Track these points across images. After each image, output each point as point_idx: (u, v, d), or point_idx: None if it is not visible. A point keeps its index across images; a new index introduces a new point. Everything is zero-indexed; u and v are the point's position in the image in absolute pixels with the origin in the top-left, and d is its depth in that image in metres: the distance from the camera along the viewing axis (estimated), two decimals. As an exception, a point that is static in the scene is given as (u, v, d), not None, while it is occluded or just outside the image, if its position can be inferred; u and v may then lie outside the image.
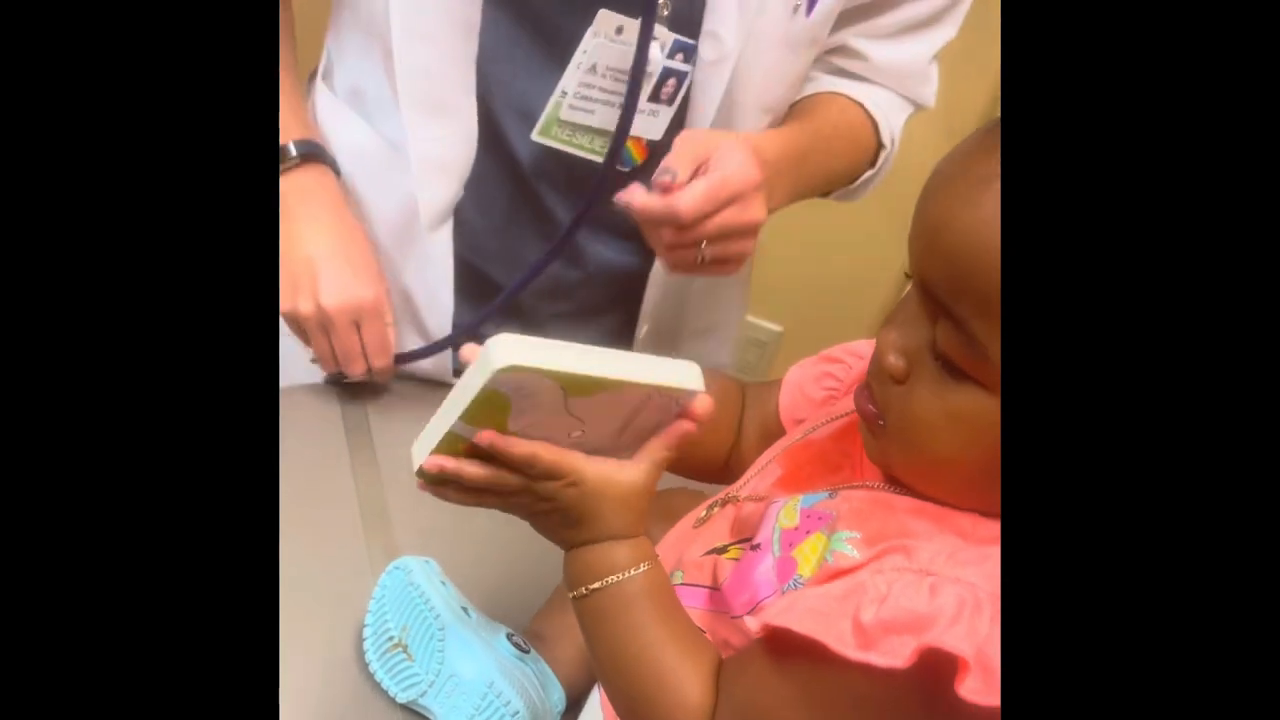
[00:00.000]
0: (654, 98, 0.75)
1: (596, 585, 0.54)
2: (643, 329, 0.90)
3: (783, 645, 0.48)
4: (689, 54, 0.73)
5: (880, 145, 0.85)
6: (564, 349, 0.49)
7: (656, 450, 0.55)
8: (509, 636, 0.72)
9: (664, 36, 0.71)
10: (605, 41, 0.71)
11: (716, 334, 0.99)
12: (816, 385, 0.68)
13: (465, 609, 0.72)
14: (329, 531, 0.80)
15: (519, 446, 0.51)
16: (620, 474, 0.54)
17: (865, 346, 0.68)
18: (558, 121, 0.77)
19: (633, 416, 0.54)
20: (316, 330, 0.80)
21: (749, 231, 0.68)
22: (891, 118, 0.85)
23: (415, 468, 0.53)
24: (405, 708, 0.71)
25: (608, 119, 0.75)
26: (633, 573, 0.54)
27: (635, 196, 0.65)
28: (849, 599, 0.47)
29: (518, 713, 0.68)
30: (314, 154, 0.80)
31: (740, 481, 0.65)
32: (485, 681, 0.68)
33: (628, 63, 0.71)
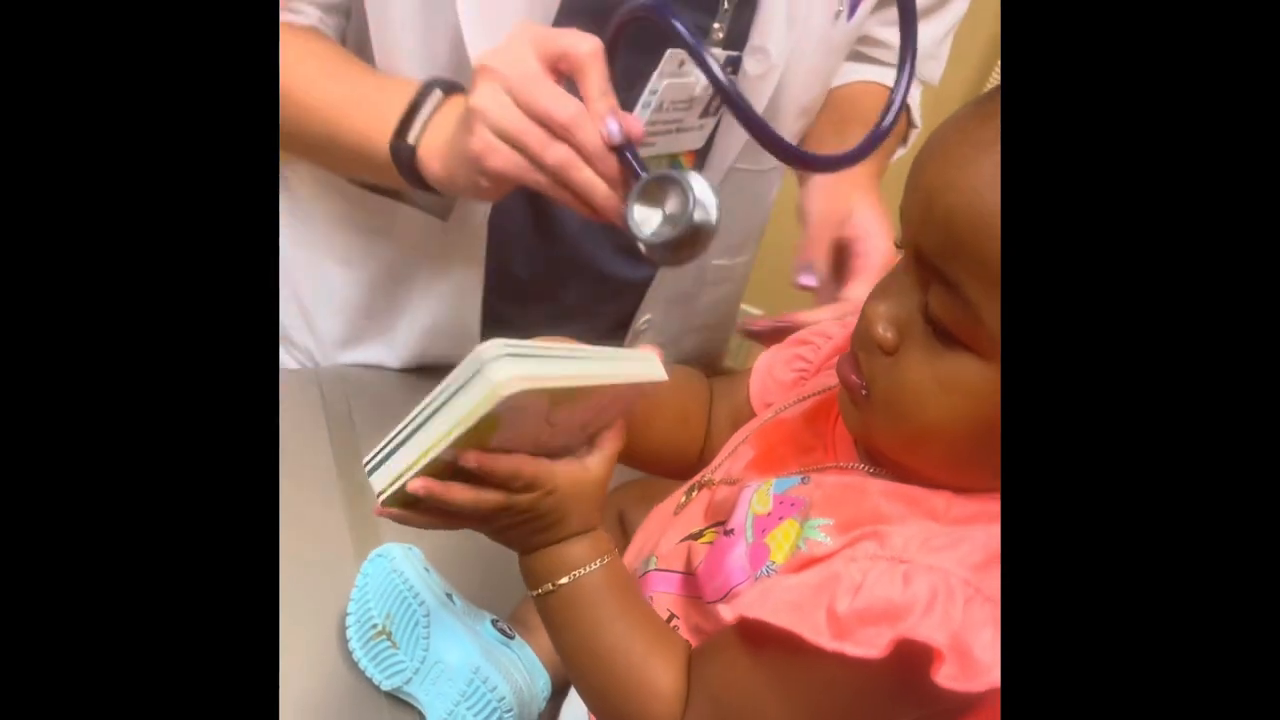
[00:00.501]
0: (704, 114, 0.75)
1: (564, 580, 0.53)
2: (642, 318, 0.90)
3: (757, 633, 0.48)
4: (736, 65, 0.73)
5: (912, 125, 0.87)
6: (552, 357, 0.47)
7: (612, 442, 0.56)
8: (493, 623, 0.72)
9: (717, 57, 0.71)
10: (670, 79, 0.71)
11: (715, 331, 1.00)
12: (786, 368, 0.68)
13: (449, 596, 0.72)
14: (311, 518, 0.79)
15: (503, 464, 0.50)
16: (586, 474, 0.54)
17: (835, 327, 0.67)
18: None
19: (597, 412, 0.53)
20: (527, 169, 0.58)
21: None
22: (914, 98, 0.87)
23: (383, 491, 0.49)
24: (390, 695, 0.70)
25: (668, 144, 0.76)
26: (595, 566, 0.54)
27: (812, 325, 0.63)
28: (823, 590, 0.47)
29: (504, 699, 0.67)
30: (456, 87, 0.67)
31: (714, 464, 0.65)
32: (470, 668, 0.68)
33: (688, 93, 0.71)
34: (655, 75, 0.69)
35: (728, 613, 0.49)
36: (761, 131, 0.57)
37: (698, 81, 0.71)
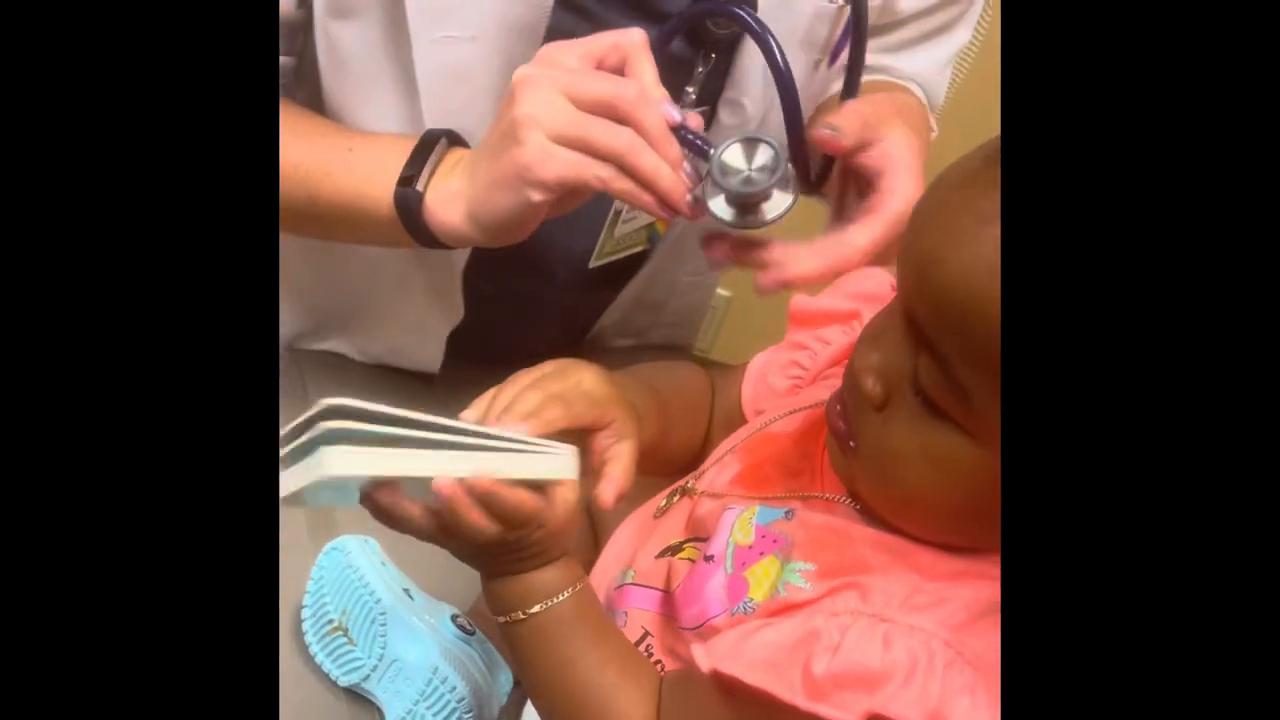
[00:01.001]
0: None
1: (535, 609, 0.52)
2: (609, 319, 0.89)
3: (732, 683, 0.47)
4: (709, 119, 0.72)
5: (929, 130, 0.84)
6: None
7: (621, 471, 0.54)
8: (453, 618, 0.70)
9: (692, 119, 0.69)
10: None
11: (684, 326, 0.99)
12: (781, 374, 0.66)
13: (407, 590, 0.70)
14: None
15: (511, 498, 0.48)
16: (571, 504, 0.52)
17: (834, 333, 0.65)
18: (612, 239, 0.76)
19: None
20: (587, 165, 0.54)
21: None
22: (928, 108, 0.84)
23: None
24: (349, 691, 0.69)
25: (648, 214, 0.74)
26: (565, 595, 0.52)
27: (789, 274, 0.58)
28: (801, 648, 0.46)
29: (463, 699, 0.66)
30: (458, 140, 0.65)
31: (698, 470, 0.63)
32: (429, 667, 0.66)
33: None
34: None
35: (703, 660, 0.48)
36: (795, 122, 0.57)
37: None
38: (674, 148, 0.54)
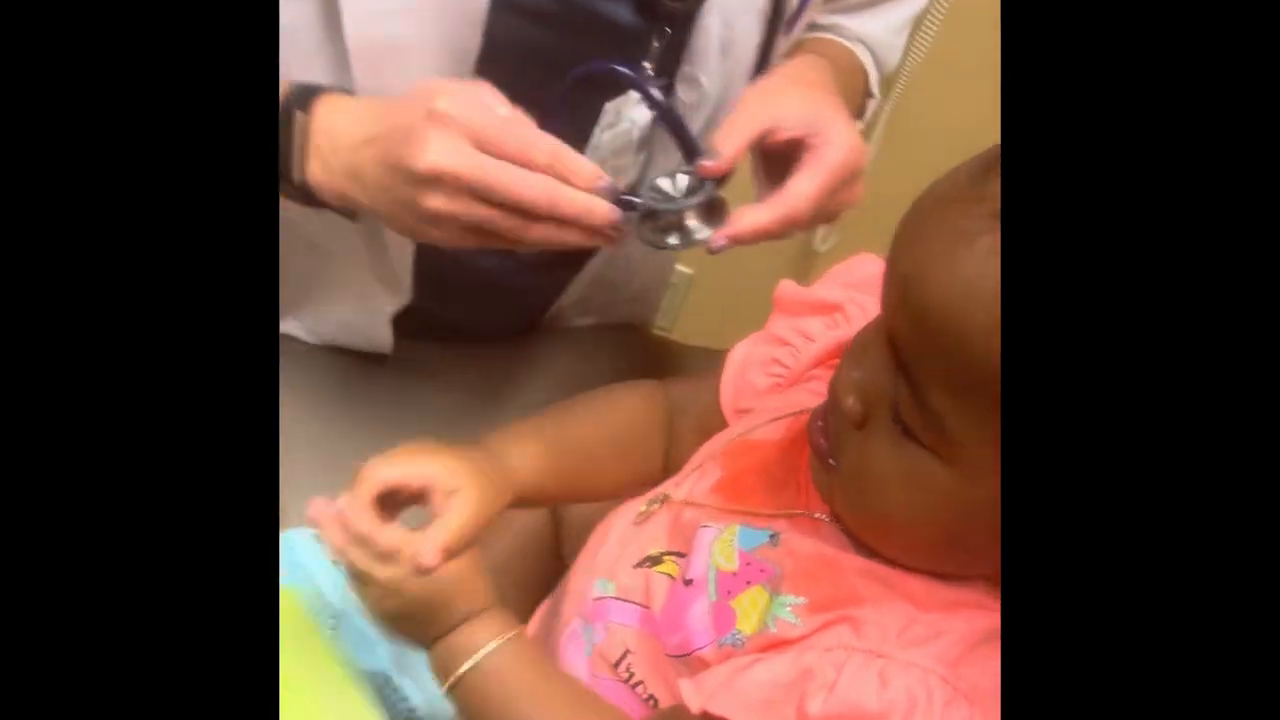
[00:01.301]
0: (637, 151, 0.72)
1: (466, 666, 0.50)
2: (568, 298, 0.87)
3: None
4: (667, 93, 0.70)
5: (870, 95, 0.83)
6: None
7: (456, 518, 0.51)
8: (409, 620, 0.65)
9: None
10: (609, 131, 0.70)
11: (644, 302, 0.98)
12: (761, 371, 0.63)
13: (359, 592, 0.65)
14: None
15: (364, 521, 0.48)
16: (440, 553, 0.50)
17: (817, 328, 0.63)
18: None
19: None
20: (498, 217, 0.53)
21: (847, 206, 0.63)
22: (870, 71, 0.83)
23: None
24: (292, 697, 0.64)
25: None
26: (493, 645, 0.51)
27: (742, 227, 0.56)
28: (795, 687, 0.45)
29: (415, 709, 0.62)
30: (312, 91, 0.59)
31: (678, 477, 0.61)
32: (381, 677, 0.63)
33: (627, 139, 0.70)
34: (597, 130, 0.69)
35: (693, 699, 0.47)
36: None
37: (634, 126, 0.70)
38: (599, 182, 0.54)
